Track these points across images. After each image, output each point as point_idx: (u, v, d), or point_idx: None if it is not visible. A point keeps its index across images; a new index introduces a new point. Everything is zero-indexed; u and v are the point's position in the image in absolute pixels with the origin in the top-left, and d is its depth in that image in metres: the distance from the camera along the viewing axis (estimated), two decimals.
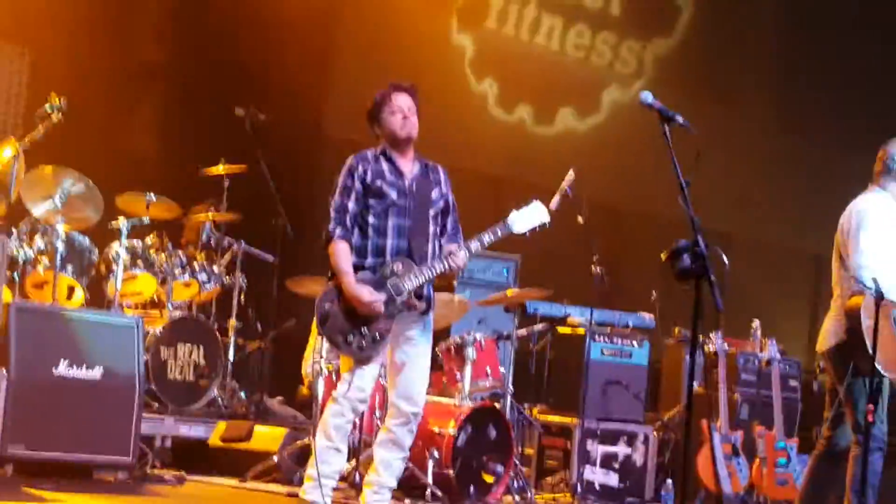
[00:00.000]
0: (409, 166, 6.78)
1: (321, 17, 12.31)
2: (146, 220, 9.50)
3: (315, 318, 6.66)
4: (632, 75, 15.02)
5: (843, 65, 16.06)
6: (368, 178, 6.66)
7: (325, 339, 6.76)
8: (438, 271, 6.63)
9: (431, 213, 6.76)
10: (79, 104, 9.07)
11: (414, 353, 6.71)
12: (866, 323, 6.98)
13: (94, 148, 10.38)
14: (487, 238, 6.75)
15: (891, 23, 16.20)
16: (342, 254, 6.58)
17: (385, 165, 6.72)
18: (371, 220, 6.64)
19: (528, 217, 6.85)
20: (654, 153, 5.67)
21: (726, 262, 5.64)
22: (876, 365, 7.00)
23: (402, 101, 6.74)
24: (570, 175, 9.25)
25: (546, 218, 6.91)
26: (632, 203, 14.56)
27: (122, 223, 9.32)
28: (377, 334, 6.53)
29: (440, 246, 6.77)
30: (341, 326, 6.54)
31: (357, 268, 6.60)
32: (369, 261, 6.62)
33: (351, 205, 6.64)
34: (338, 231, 6.60)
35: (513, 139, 14.09)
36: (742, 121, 15.82)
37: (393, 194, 6.65)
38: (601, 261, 9.72)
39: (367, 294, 6.49)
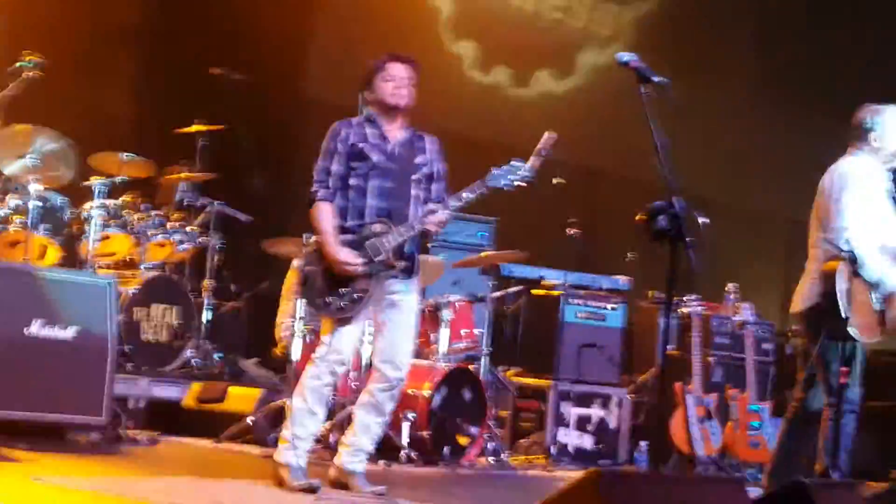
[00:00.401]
0: (395, 132, 6.75)
1: None
2: (119, 179, 9.45)
3: (295, 281, 6.66)
4: (609, 38, 14.96)
5: (822, 28, 16.06)
6: (351, 141, 6.65)
7: (305, 302, 6.69)
8: (418, 230, 6.59)
9: (414, 177, 6.71)
10: (53, 64, 9.02)
11: (398, 316, 6.68)
12: (842, 286, 6.99)
13: (68, 107, 10.30)
14: (467, 195, 6.68)
15: None
16: (323, 215, 6.57)
17: (369, 130, 6.71)
18: (353, 181, 6.62)
19: (509, 174, 6.79)
20: (631, 116, 5.63)
21: (703, 222, 5.63)
22: (849, 329, 7.02)
23: (397, 70, 6.70)
24: (547, 136, 9.23)
25: (528, 173, 6.87)
26: (609, 166, 14.55)
27: (96, 182, 9.27)
28: (356, 294, 6.50)
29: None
30: (321, 288, 6.54)
31: (339, 229, 6.58)
32: (350, 222, 6.59)
33: (334, 167, 6.63)
34: (320, 192, 6.59)
35: (490, 101, 14.05)
36: (720, 85, 15.79)
37: (375, 156, 6.62)
38: (577, 223, 9.72)
39: (345, 254, 6.48)
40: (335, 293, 6.50)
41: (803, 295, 7.40)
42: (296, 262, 8.66)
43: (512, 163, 6.85)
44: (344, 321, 6.55)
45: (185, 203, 10.14)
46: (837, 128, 7.80)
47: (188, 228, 9.95)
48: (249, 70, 10.58)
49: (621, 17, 15.10)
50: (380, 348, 6.72)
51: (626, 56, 5.57)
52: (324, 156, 6.68)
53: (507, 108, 14.12)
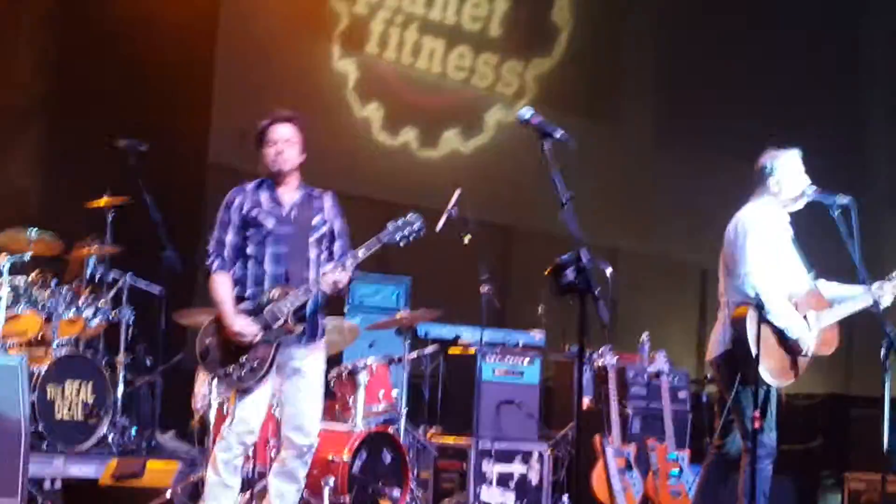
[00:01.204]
0: (289, 195, 6.74)
1: (202, 47, 12.24)
2: (28, 256, 9.35)
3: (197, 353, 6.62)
4: (514, 95, 15.12)
5: (722, 75, 16.34)
6: (245, 210, 6.65)
7: (207, 373, 6.78)
8: (315, 292, 6.57)
9: (312, 238, 6.68)
10: None
11: (303, 383, 6.64)
12: (751, 332, 7.08)
13: None
14: (363, 252, 6.64)
15: (767, 34, 16.55)
16: (219, 285, 6.58)
17: (263, 195, 6.70)
18: (249, 250, 6.61)
19: (404, 228, 6.78)
20: (539, 171, 5.69)
21: (609, 274, 5.69)
22: (762, 374, 7.11)
23: (279, 132, 6.69)
24: (455, 195, 9.32)
25: (420, 225, 6.83)
26: (520, 221, 14.65)
27: (3, 260, 9.16)
28: (255, 363, 6.47)
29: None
30: (220, 358, 6.53)
31: (238, 299, 6.57)
32: (249, 291, 6.58)
33: (229, 237, 6.63)
34: (215, 264, 6.61)
35: (399, 163, 14.11)
36: (625, 135, 16.03)
37: (270, 223, 6.61)
38: (490, 280, 9.75)
39: (240, 324, 6.47)
40: (235, 363, 6.46)
41: (715, 342, 7.49)
42: None
43: (408, 217, 6.84)
44: (247, 391, 6.51)
45: (95, 278, 10.04)
46: (745, 173, 7.92)
47: (100, 303, 9.85)
48: (156, 139, 10.52)
49: (526, 74, 15.26)
50: (287, 416, 6.69)
51: (526, 113, 5.64)
52: (218, 226, 6.68)
53: (416, 168, 14.19)
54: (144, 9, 11.69)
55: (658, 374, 10.06)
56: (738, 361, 7.23)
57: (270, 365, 6.51)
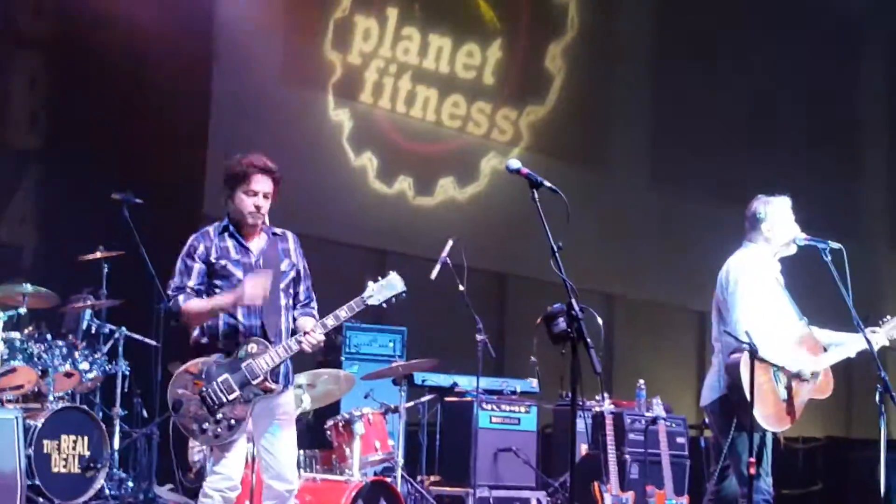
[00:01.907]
0: (256, 241, 6.58)
1: (196, 98, 12.28)
2: (23, 310, 9.36)
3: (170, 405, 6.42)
4: (509, 143, 15.18)
5: (715, 122, 16.45)
6: (213, 258, 6.47)
7: (180, 427, 6.45)
8: (295, 350, 6.46)
9: (282, 286, 6.56)
10: None
11: (278, 433, 6.53)
12: (746, 378, 7.09)
13: None
14: (344, 314, 6.54)
15: (762, 81, 16.68)
16: (196, 304, 6.40)
17: (230, 242, 6.52)
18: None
19: (385, 289, 6.65)
20: (534, 218, 5.72)
21: (601, 323, 5.70)
22: (757, 419, 7.12)
23: (262, 184, 6.50)
24: (449, 244, 9.35)
25: (402, 288, 6.70)
26: (516, 268, 14.67)
27: None
28: (233, 420, 6.34)
29: (294, 319, 6.63)
30: (195, 413, 6.34)
31: (210, 349, 6.42)
32: (222, 343, 6.42)
33: (191, 283, 6.43)
34: (181, 297, 6.40)
35: (395, 211, 14.14)
36: (619, 181, 16.10)
37: (240, 273, 6.45)
38: (488, 329, 9.77)
39: (245, 287, 6.31)
40: (212, 418, 6.32)
41: (710, 388, 7.50)
42: None
43: (389, 278, 6.71)
44: (225, 448, 6.41)
45: (91, 331, 10.05)
46: (738, 218, 7.96)
47: (95, 356, 9.86)
48: (151, 192, 10.55)
49: (520, 121, 15.33)
50: (265, 465, 6.55)
51: (514, 164, 5.67)
52: (178, 274, 6.48)
53: (412, 217, 14.22)
54: (138, 62, 11.75)
55: (656, 420, 10.04)
56: (734, 407, 7.24)
57: (246, 423, 6.38)
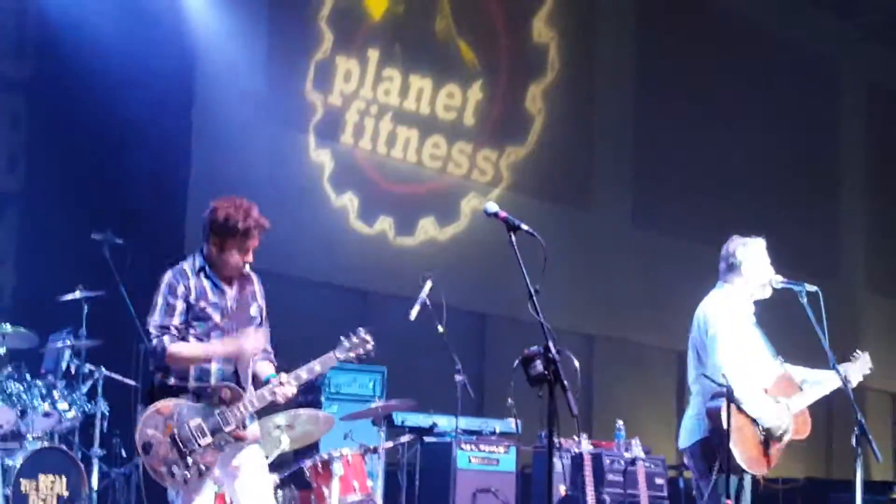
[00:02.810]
0: (229, 284, 6.50)
1: (176, 139, 12.31)
2: (2, 350, 9.35)
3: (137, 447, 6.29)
4: (489, 183, 15.24)
5: (696, 163, 16.57)
6: (192, 298, 6.37)
7: (148, 468, 6.29)
8: (268, 401, 6.42)
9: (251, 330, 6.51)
10: None
11: (248, 478, 6.47)
12: (726, 421, 7.12)
13: None
14: (318, 368, 6.54)
15: (742, 122, 16.82)
16: (187, 347, 6.30)
17: (206, 283, 6.42)
18: (193, 342, 6.36)
19: (358, 347, 6.69)
20: (514, 259, 5.75)
21: (577, 365, 5.73)
22: (739, 462, 7.16)
23: (255, 241, 6.45)
24: (428, 285, 9.38)
25: (372, 347, 6.73)
26: (496, 308, 14.69)
27: None
28: (203, 466, 6.26)
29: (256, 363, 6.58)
30: (165, 456, 6.23)
31: (180, 390, 6.32)
32: (192, 384, 6.33)
33: (175, 324, 6.32)
34: (166, 339, 6.27)
35: (376, 251, 14.16)
36: (598, 222, 16.17)
37: (216, 316, 6.40)
38: (467, 369, 9.79)
39: (242, 342, 6.32)
40: (182, 462, 6.22)
41: (690, 430, 7.53)
42: None
43: (362, 334, 6.72)
44: (195, 490, 6.30)
45: (70, 371, 10.04)
46: (717, 258, 8.01)
47: (75, 396, 9.84)
48: (131, 232, 10.57)
49: (500, 162, 15.40)
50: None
51: (492, 208, 5.72)
52: (162, 312, 6.33)
53: (392, 257, 14.23)
54: (118, 102, 11.77)
55: (634, 461, 10.06)
56: (715, 449, 7.27)
57: (214, 469, 6.33)
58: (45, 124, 11.98)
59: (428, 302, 9.52)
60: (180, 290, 6.37)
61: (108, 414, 10.10)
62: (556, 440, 5.62)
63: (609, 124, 16.50)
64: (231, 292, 6.51)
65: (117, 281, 10.14)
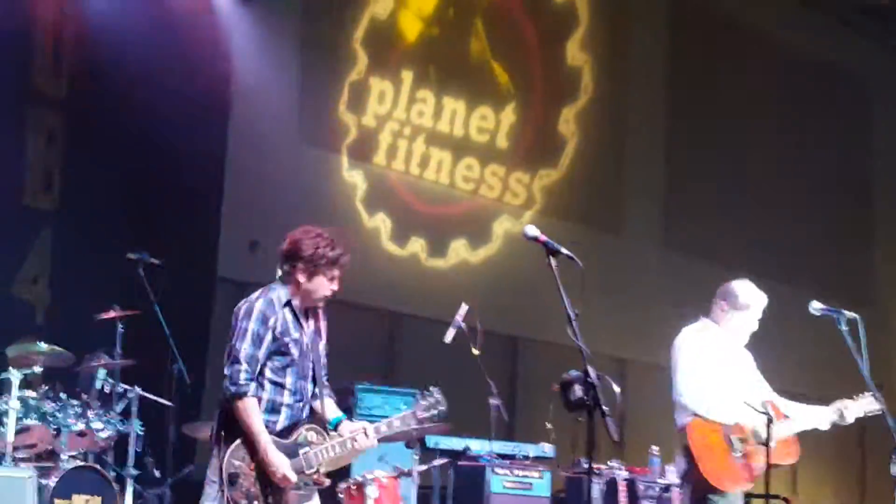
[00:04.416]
0: (306, 321, 6.45)
1: (213, 160, 12.34)
2: (38, 369, 9.38)
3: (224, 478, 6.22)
4: (522, 206, 15.24)
5: (729, 187, 16.52)
6: (279, 332, 6.29)
7: (231, 500, 6.22)
8: (347, 451, 6.40)
9: (317, 371, 6.46)
10: None
11: None
12: (698, 446, 7.24)
13: None
14: (398, 423, 6.58)
15: (776, 149, 16.77)
16: (256, 413, 6.18)
17: (289, 317, 6.35)
18: (269, 374, 6.28)
19: (435, 407, 6.74)
20: (547, 281, 5.74)
21: (617, 391, 5.70)
22: (709, 480, 7.22)
23: (340, 272, 6.42)
24: (463, 309, 9.36)
25: (444, 407, 6.75)
26: (529, 331, 14.66)
27: (13, 375, 9.18)
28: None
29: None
30: (248, 491, 6.19)
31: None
32: (270, 418, 6.26)
33: (261, 356, 6.24)
34: (251, 387, 6.18)
35: (407, 273, 14.16)
36: (631, 246, 16.13)
37: (295, 352, 6.32)
38: (500, 392, 9.76)
39: (286, 466, 6.17)
40: (264, 499, 6.19)
41: (678, 462, 7.66)
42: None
43: (435, 395, 6.74)
44: None
45: (105, 390, 10.05)
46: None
47: (109, 416, 9.85)
48: (165, 253, 10.59)
49: (533, 185, 15.39)
50: None
51: (532, 231, 5.71)
52: (251, 341, 6.22)
53: (424, 279, 14.23)
54: (154, 121, 11.81)
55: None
56: (698, 475, 7.36)
57: None
58: (81, 143, 12.00)
59: (463, 325, 9.50)
60: (272, 321, 6.28)
61: (142, 434, 10.11)
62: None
63: (642, 148, 16.47)
64: (307, 329, 6.45)
65: (152, 301, 10.16)
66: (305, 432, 6.32)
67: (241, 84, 12.58)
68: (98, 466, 9.68)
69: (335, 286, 6.41)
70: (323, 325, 6.57)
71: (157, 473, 10.64)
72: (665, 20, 16.99)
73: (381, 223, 14.07)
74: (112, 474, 9.71)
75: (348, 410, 11.10)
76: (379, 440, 6.53)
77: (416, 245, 14.36)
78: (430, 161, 14.58)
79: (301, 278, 6.34)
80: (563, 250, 5.62)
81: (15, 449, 9.15)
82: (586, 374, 5.45)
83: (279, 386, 6.30)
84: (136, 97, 11.65)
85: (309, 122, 13.40)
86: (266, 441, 6.16)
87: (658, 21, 16.91)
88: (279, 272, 6.48)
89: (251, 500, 6.19)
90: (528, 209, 15.22)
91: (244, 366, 6.19)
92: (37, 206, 11.98)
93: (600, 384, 5.44)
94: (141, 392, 10.10)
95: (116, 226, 11.51)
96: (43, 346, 9.47)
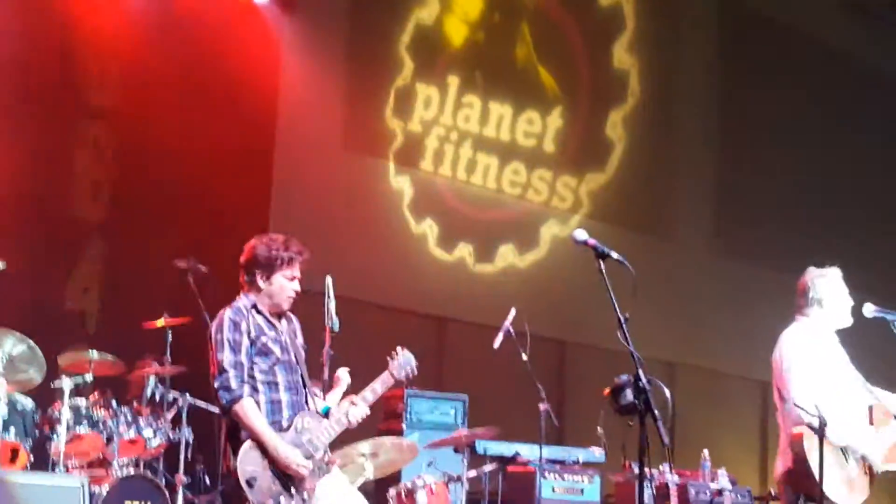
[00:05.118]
0: (277, 319, 6.68)
1: (260, 167, 12.39)
2: (89, 377, 9.43)
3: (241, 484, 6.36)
4: (569, 210, 15.19)
5: (779, 190, 16.40)
6: (253, 334, 6.51)
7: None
8: (345, 425, 6.57)
9: (301, 363, 6.67)
10: (18, 263, 9.04)
11: (346, 498, 6.64)
12: (810, 451, 7.05)
13: (33, 307, 10.34)
14: (380, 388, 6.71)
15: (829, 151, 16.63)
16: (256, 413, 6.37)
17: (260, 319, 6.58)
18: (259, 376, 6.47)
19: (406, 364, 6.87)
20: (595, 285, 5.71)
21: (668, 395, 5.66)
22: (826, 492, 7.07)
23: (299, 269, 6.63)
24: (512, 313, 9.34)
25: (415, 364, 6.89)
26: (577, 336, 14.61)
27: (64, 382, 9.24)
28: (306, 494, 6.40)
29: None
30: (269, 489, 6.32)
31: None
32: (273, 417, 6.44)
33: (244, 360, 6.44)
34: (245, 389, 6.38)
35: (455, 278, 14.14)
36: (679, 249, 16.03)
37: (277, 350, 6.53)
38: (548, 397, 9.72)
39: (296, 455, 6.36)
40: (287, 493, 6.34)
41: (778, 461, 7.46)
42: None
43: (403, 354, 6.88)
44: None
45: (155, 398, 10.10)
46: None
47: (159, 423, 9.90)
48: (213, 260, 10.62)
49: (580, 189, 15.34)
50: None
51: (581, 235, 5.68)
52: (230, 349, 6.44)
53: (472, 284, 14.21)
54: (201, 130, 11.87)
55: (720, 492, 9.93)
56: (800, 479, 7.19)
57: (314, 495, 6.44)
58: (128, 153, 12.08)
59: (512, 330, 9.47)
60: (243, 325, 6.50)
61: (192, 441, 10.15)
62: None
63: (690, 151, 16.38)
64: (281, 326, 6.66)
65: (201, 308, 10.20)
66: (300, 420, 6.48)
67: (288, 90, 12.62)
68: (149, 474, 9.73)
69: (296, 286, 6.62)
70: (297, 325, 6.79)
71: (207, 480, 10.69)
72: (714, 21, 16.89)
73: (428, 229, 14.06)
74: (163, 481, 9.75)
75: (398, 416, 11.11)
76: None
77: (464, 250, 14.34)
78: (476, 166, 14.56)
79: (262, 283, 6.60)
80: (613, 254, 5.60)
81: (66, 457, 9.22)
82: (637, 378, 5.42)
83: (273, 385, 6.50)
84: (182, 104, 11.71)
85: (355, 129, 13.41)
86: (272, 437, 6.34)
87: (706, 22, 16.82)
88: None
89: (276, 497, 6.33)
90: (575, 213, 15.17)
91: (231, 372, 6.40)
92: (86, 217, 12.06)
93: (651, 388, 5.41)
94: (191, 399, 10.15)
95: (164, 234, 11.57)
96: (94, 353, 9.53)
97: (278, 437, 6.37)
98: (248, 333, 6.48)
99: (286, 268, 6.59)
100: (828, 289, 7.52)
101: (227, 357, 6.43)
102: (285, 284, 6.59)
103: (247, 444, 6.38)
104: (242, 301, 6.62)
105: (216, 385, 6.44)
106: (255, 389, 6.44)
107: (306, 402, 6.61)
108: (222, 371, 6.41)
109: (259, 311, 6.57)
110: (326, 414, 6.64)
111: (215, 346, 6.51)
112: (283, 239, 6.69)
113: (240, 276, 6.76)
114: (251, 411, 6.36)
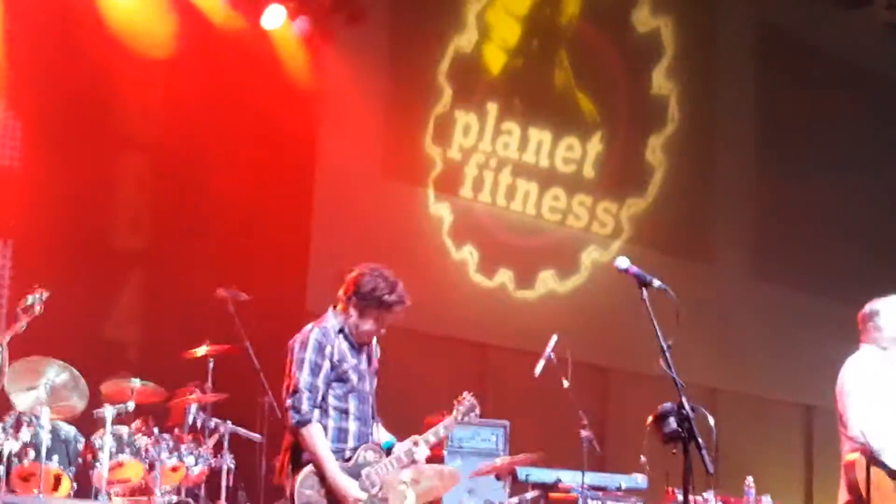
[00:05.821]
0: (360, 348, 6.68)
1: (300, 194, 12.43)
2: (131, 405, 9.47)
3: None
4: (609, 235, 15.16)
5: (820, 214, 16.30)
6: (336, 359, 6.52)
7: None
8: (404, 465, 6.60)
9: (372, 394, 6.69)
10: (60, 293, 9.09)
11: None
12: (861, 478, 7.03)
13: (76, 336, 10.40)
14: (443, 431, 6.78)
15: (865, 173, 16.52)
16: (321, 439, 6.40)
17: (345, 345, 6.58)
18: (332, 402, 6.50)
19: (471, 410, 6.96)
20: (636, 311, 5.70)
21: (712, 423, 5.63)
22: None
23: (393, 318, 6.63)
24: (553, 340, 9.32)
25: (478, 409, 6.97)
26: (618, 362, 14.55)
27: (107, 410, 9.28)
28: None
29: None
30: None
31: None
32: (337, 445, 6.47)
33: (321, 385, 6.46)
34: (315, 414, 6.41)
35: (495, 305, 14.12)
36: (720, 275, 15.96)
37: (354, 378, 6.54)
38: (590, 424, 9.69)
39: (354, 488, 6.37)
40: None
41: (840, 490, 7.46)
42: None
43: (469, 399, 6.94)
44: None
45: (197, 425, 10.13)
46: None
47: (201, 450, 9.92)
48: (254, 288, 10.66)
49: (620, 214, 15.31)
50: None
51: (624, 263, 5.67)
52: (309, 370, 6.45)
53: (512, 310, 14.19)
54: (240, 158, 11.93)
55: None
56: None
57: None
58: (169, 183, 12.13)
59: (553, 357, 9.45)
60: (328, 350, 6.51)
61: (233, 468, 10.17)
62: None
63: (730, 176, 16.32)
64: (363, 355, 6.68)
65: (242, 336, 10.23)
66: (363, 452, 6.51)
67: (329, 117, 12.68)
68: (191, 501, 9.75)
69: (382, 329, 6.63)
70: (374, 349, 6.78)
71: None
72: (752, 48, 16.84)
73: (468, 255, 14.06)
74: None
75: (439, 443, 11.09)
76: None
77: (504, 276, 14.32)
78: (516, 192, 14.56)
79: (352, 312, 6.58)
80: (656, 282, 5.58)
81: (109, 484, 9.25)
82: (681, 405, 5.39)
83: (343, 412, 6.52)
84: (223, 139, 11.79)
85: (395, 157, 13.45)
86: (333, 466, 6.35)
87: (745, 48, 16.78)
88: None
89: None
90: (616, 239, 15.14)
91: (306, 394, 6.41)
92: (128, 246, 12.13)
93: (694, 416, 5.38)
94: (232, 426, 10.17)
95: (205, 263, 11.61)
96: (136, 381, 9.57)
97: (338, 468, 6.38)
98: (331, 357, 6.49)
99: (379, 310, 6.57)
100: (886, 316, 7.52)
101: (304, 378, 6.44)
102: (372, 325, 6.59)
103: (307, 469, 6.41)
104: (331, 321, 6.63)
105: (288, 403, 6.46)
106: (325, 414, 6.45)
107: (371, 433, 6.62)
108: (297, 391, 6.43)
109: (346, 337, 6.58)
110: (389, 449, 6.65)
111: (295, 363, 6.53)
112: (391, 281, 6.64)
113: (339, 291, 6.71)
114: (317, 437, 6.38)
